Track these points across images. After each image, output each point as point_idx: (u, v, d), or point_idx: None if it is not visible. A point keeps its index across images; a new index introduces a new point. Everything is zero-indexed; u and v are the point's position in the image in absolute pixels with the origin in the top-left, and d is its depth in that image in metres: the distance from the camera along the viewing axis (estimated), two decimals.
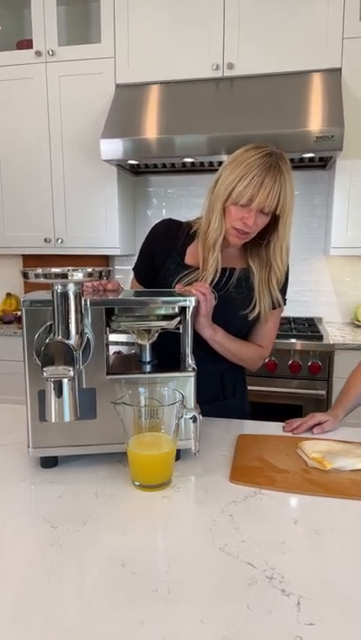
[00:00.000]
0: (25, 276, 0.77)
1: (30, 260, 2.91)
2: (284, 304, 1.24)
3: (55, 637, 0.53)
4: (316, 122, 2.09)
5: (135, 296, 1.00)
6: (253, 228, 1.09)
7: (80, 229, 2.60)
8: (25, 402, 0.90)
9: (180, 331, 0.98)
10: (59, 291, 0.80)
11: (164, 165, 2.59)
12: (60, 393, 0.79)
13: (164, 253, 1.22)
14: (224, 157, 2.15)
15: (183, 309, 0.96)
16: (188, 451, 0.93)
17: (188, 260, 1.20)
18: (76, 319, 0.82)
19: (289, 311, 2.65)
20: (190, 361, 0.97)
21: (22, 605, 0.58)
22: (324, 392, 2.14)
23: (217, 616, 0.56)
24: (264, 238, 1.15)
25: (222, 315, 1.12)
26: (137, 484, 0.86)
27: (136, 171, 2.73)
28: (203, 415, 0.92)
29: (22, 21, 2.76)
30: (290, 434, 1.10)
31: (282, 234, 1.12)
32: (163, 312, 0.95)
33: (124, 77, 2.42)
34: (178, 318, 0.96)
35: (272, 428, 1.13)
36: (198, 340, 1.07)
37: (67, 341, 0.79)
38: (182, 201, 2.83)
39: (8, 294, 3.01)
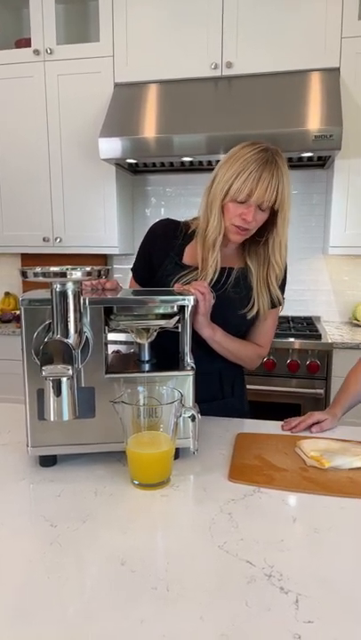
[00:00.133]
0: (24, 274, 0.77)
1: (29, 259, 2.91)
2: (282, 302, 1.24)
3: (55, 636, 0.53)
4: (314, 121, 2.09)
5: (134, 295, 1.00)
6: (253, 223, 1.09)
7: (79, 228, 2.60)
8: (24, 401, 0.91)
9: (179, 330, 0.98)
10: (57, 290, 0.80)
11: (162, 164, 2.59)
12: (58, 392, 0.79)
13: (161, 253, 1.22)
14: (223, 156, 2.14)
15: (182, 308, 0.96)
16: (186, 449, 0.93)
17: (186, 259, 1.20)
18: (75, 318, 0.81)
19: (287, 310, 2.65)
20: (189, 360, 0.97)
21: (22, 604, 0.58)
22: (322, 391, 2.15)
23: (216, 614, 0.56)
24: (262, 236, 1.15)
25: (221, 314, 1.12)
26: (136, 482, 0.86)
27: (135, 170, 2.73)
28: (201, 414, 0.92)
29: (21, 20, 2.76)
30: (288, 432, 1.10)
31: (280, 230, 1.12)
32: (161, 311, 0.95)
33: (123, 76, 2.41)
34: (177, 317, 0.96)
35: (271, 427, 1.13)
36: (197, 339, 1.07)
37: (65, 340, 0.79)
38: (181, 200, 2.83)
39: (7, 293, 3.00)
